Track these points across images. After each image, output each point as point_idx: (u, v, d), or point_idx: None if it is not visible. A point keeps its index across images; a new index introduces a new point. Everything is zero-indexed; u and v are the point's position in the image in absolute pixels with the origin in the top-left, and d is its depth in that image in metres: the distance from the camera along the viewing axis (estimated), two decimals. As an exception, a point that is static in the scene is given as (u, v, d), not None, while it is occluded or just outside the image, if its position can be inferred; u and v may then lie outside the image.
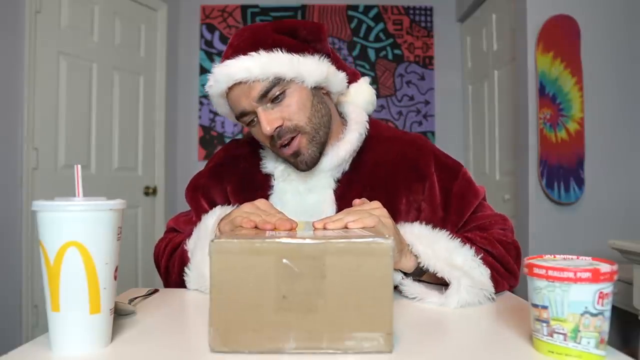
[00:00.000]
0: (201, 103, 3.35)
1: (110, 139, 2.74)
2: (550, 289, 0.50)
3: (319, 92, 0.86)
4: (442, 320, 0.66)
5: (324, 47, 0.86)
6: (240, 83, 0.81)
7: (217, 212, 0.83)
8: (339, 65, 0.90)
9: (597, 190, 2.23)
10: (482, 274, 0.74)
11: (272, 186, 0.90)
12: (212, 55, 3.36)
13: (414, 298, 0.73)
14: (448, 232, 0.78)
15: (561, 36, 2.23)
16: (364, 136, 0.90)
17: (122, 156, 2.81)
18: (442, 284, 0.75)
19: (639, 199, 2.24)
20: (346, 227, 0.63)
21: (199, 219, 0.89)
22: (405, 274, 0.77)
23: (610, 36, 2.25)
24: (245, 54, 0.80)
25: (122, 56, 2.81)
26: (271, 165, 0.91)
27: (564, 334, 0.49)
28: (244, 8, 3.39)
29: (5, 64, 2.11)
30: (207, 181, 0.97)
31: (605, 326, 0.50)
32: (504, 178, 2.76)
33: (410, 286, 0.74)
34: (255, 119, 0.84)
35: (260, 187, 0.91)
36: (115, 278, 0.55)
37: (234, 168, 0.96)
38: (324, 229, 0.64)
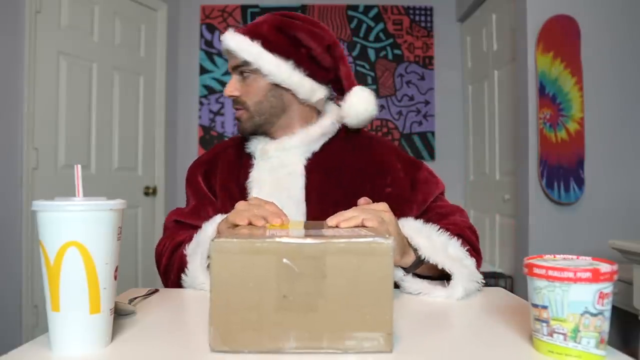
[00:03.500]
0: (201, 103, 3.36)
1: (110, 139, 2.74)
2: (550, 289, 0.50)
3: (278, 89, 0.99)
4: (442, 320, 0.66)
5: (302, 58, 0.98)
6: (230, 50, 0.99)
7: (217, 220, 0.89)
8: (323, 76, 1.01)
9: (597, 190, 2.23)
10: (472, 263, 0.82)
11: (253, 165, 1.01)
12: (212, 55, 3.36)
13: (418, 293, 0.77)
14: (437, 226, 0.86)
15: (561, 36, 2.23)
16: (336, 126, 1.03)
17: (122, 156, 2.81)
18: (434, 277, 0.81)
19: (639, 199, 2.24)
20: (362, 225, 0.67)
21: (196, 200, 1.04)
22: (404, 269, 0.80)
23: (610, 36, 2.25)
24: (242, 33, 0.98)
25: (122, 56, 2.81)
26: (253, 145, 1.03)
27: (564, 334, 0.49)
28: (244, 8, 3.39)
29: (5, 64, 2.11)
30: (205, 165, 1.08)
31: (605, 326, 0.50)
32: (504, 178, 2.76)
33: (412, 282, 0.78)
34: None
35: (244, 165, 1.03)
36: (115, 278, 0.55)
37: (224, 155, 1.09)
38: (337, 227, 0.66)
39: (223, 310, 0.51)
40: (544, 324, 0.51)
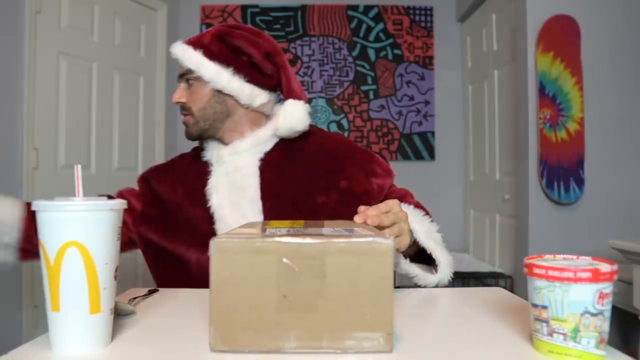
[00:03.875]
0: (201, 103, 3.35)
1: (110, 139, 2.74)
2: (550, 289, 0.50)
3: (221, 95, 1.04)
4: (442, 320, 0.66)
5: (241, 65, 1.03)
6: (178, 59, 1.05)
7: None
8: (266, 82, 1.05)
9: (597, 190, 2.23)
10: (444, 249, 0.90)
11: (210, 171, 1.05)
12: (212, 55, 3.36)
13: (413, 277, 0.85)
14: (422, 211, 0.93)
15: (561, 36, 2.23)
16: (278, 132, 1.06)
17: (122, 156, 2.81)
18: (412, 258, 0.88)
19: (639, 199, 2.24)
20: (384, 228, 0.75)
21: (137, 195, 1.09)
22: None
23: (610, 36, 2.25)
24: (186, 42, 1.04)
25: (122, 56, 2.81)
26: (209, 153, 1.08)
27: (564, 334, 0.49)
28: (244, 8, 3.39)
29: (5, 64, 2.11)
30: (153, 174, 1.13)
31: (605, 326, 0.50)
32: (504, 178, 2.76)
33: (409, 267, 0.85)
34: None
35: (202, 173, 1.06)
36: (115, 278, 0.55)
37: (180, 164, 1.13)
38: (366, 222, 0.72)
39: (223, 310, 0.51)
40: (544, 324, 0.51)
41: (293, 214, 0.99)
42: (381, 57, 3.39)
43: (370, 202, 1.00)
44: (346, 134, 3.38)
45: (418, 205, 1.01)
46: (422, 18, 3.41)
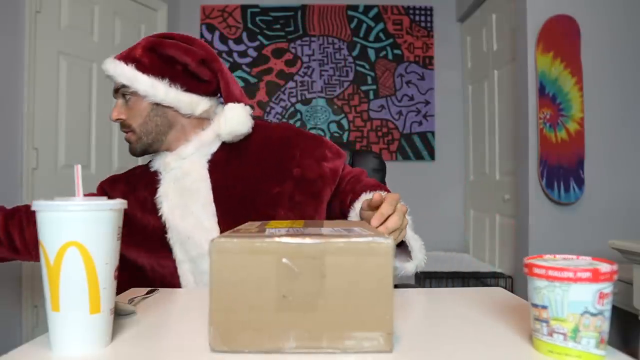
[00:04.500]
0: (201, 103, 3.35)
1: (110, 139, 2.74)
2: (550, 289, 0.50)
3: (160, 108, 1.02)
4: (442, 320, 0.66)
5: (177, 74, 1.01)
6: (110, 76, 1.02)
7: None
8: (204, 88, 1.04)
9: (597, 190, 2.23)
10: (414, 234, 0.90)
11: (159, 180, 1.05)
12: (212, 55, 3.36)
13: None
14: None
15: (561, 36, 2.23)
16: (224, 126, 1.04)
17: (122, 156, 2.81)
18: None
19: (639, 199, 2.24)
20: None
21: None
22: None
23: (610, 36, 2.25)
24: (118, 58, 1.01)
25: (122, 56, 2.81)
26: (157, 162, 1.07)
27: (564, 334, 0.49)
28: (244, 8, 3.39)
29: (5, 64, 2.11)
30: (109, 184, 1.14)
31: (605, 326, 0.50)
32: (504, 178, 2.76)
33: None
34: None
35: (150, 182, 1.06)
36: (115, 278, 0.55)
37: (131, 176, 1.13)
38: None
39: (223, 310, 0.51)
40: (544, 324, 0.51)
41: (248, 210, 0.99)
42: (381, 57, 3.39)
43: (325, 187, 1.02)
44: (346, 134, 3.38)
45: (377, 184, 1.00)
46: (422, 18, 3.41)
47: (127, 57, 1.00)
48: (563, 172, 2.21)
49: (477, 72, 3.18)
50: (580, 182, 2.21)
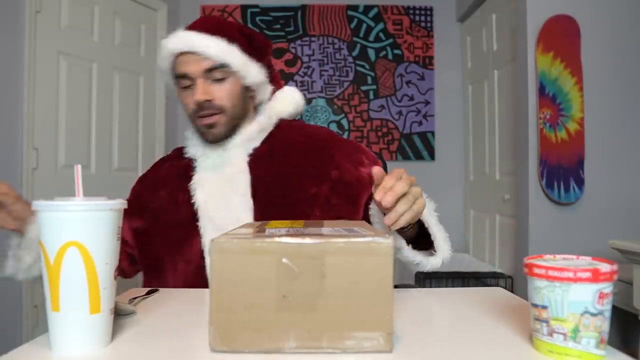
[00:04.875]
0: (201, 103, 3.35)
1: (110, 139, 2.74)
2: (550, 289, 0.50)
3: (247, 92, 1.01)
4: (442, 320, 0.66)
5: (267, 61, 1.04)
6: (194, 52, 0.95)
7: None
8: (272, 78, 1.07)
9: (597, 190, 2.23)
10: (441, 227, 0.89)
11: (195, 167, 1.02)
12: (212, 55, 3.36)
13: (417, 264, 0.84)
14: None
15: (561, 36, 2.23)
16: (272, 119, 1.05)
17: (122, 156, 2.81)
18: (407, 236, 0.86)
19: (639, 199, 2.24)
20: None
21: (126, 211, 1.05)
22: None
23: (610, 36, 2.25)
24: (211, 33, 0.95)
25: (122, 56, 2.81)
26: (193, 149, 1.04)
27: (564, 334, 0.49)
28: (244, 8, 3.39)
29: (5, 64, 2.11)
30: (138, 185, 1.11)
31: (605, 326, 0.50)
32: (504, 178, 2.76)
33: (411, 253, 0.84)
34: (191, 86, 0.98)
35: (184, 170, 1.03)
36: (115, 278, 0.55)
37: (160, 167, 1.11)
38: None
39: (223, 310, 0.51)
40: (544, 324, 0.51)
41: (285, 207, 0.97)
42: (381, 57, 3.39)
43: (362, 191, 1.00)
44: (346, 134, 3.38)
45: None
46: (422, 18, 3.41)
47: (225, 34, 0.96)
48: (563, 172, 2.21)
49: (477, 72, 3.18)
50: (580, 182, 2.21)
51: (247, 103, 1.02)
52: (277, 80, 1.08)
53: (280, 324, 0.51)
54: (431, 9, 3.41)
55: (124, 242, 1.04)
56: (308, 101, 3.39)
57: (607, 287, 0.49)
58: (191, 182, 1.00)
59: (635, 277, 1.67)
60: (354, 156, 1.04)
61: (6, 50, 2.11)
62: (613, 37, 2.25)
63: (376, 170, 0.74)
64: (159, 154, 3.09)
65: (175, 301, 0.77)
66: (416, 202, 0.73)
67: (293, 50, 3.39)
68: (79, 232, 0.51)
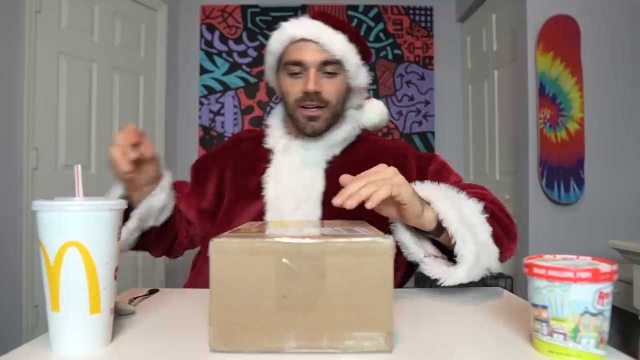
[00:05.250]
0: (201, 103, 3.35)
1: (110, 139, 2.72)
2: (550, 289, 0.50)
3: (348, 93, 1.00)
4: (442, 320, 0.66)
5: (368, 65, 1.03)
6: (312, 41, 0.94)
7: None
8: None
9: (597, 190, 2.23)
10: (486, 231, 0.75)
11: (271, 160, 1.00)
12: (212, 55, 3.36)
13: (436, 279, 0.73)
14: (453, 187, 0.80)
15: (561, 36, 2.23)
16: (356, 130, 1.03)
17: (122, 156, 2.81)
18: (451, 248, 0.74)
19: (639, 199, 2.24)
20: (363, 203, 0.64)
21: (192, 190, 1.06)
22: (427, 234, 0.76)
23: (610, 36, 2.25)
24: (334, 28, 0.94)
25: (122, 56, 2.81)
26: (273, 141, 1.02)
27: (564, 334, 0.49)
28: (244, 8, 3.39)
29: (5, 64, 2.11)
30: (208, 160, 1.08)
31: (605, 326, 0.50)
32: (504, 178, 2.76)
33: (432, 266, 0.74)
34: (302, 74, 0.96)
35: (260, 159, 1.01)
36: (115, 278, 0.55)
37: (235, 148, 1.07)
38: (344, 205, 0.64)
39: (223, 310, 0.51)
40: (544, 324, 0.51)
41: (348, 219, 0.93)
42: (381, 57, 3.39)
43: None
44: (346, 134, 3.37)
45: (486, 197, 0.84)
46: (422, 18, 3.41)
47: (346, 31, 0.96)
48: (563, 172, 2.21)
49: (477, 72, 3.18)
50: (580, 182, 2.21)
51: (344, 105, 1.01)
52: (367, 90, 1.08)
53: (280, 324, 0.51)
54: (431, 9, 3.41)
55: (187, 223, 1.03)
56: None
57: (607, 287, 0.49)
58: (265, 174, 0.98)
59: (635, 277, 1.67)
60: (423, 168, 1.00)
61: (6, 50, 2.11)
62: (613, 37, 2.25)
63: (343, 178, 0.71)
64: (159, 154, 3.09)
65: (175, 301, 0.77)
66: (381, 185, 0.66)
67: (293, 50, 3.39)
68: (79, 232, 0.51)
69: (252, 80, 3.37)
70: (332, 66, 0.95)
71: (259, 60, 3.38)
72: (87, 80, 2.59)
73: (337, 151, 1.01)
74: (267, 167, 0.98)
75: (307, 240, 0.51)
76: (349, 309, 0.51)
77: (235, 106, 3.36)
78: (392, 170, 0.70)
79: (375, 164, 0.99)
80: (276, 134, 1.02)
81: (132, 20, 2.89)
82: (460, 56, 3.42)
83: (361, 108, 1.06)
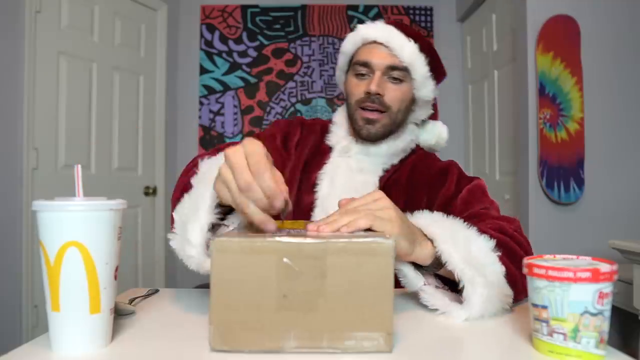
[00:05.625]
0: (201, 103, 3.35)
1: (110, 139, 2.74)
2: (550, 289, 0.50)
3: (411, 104, 0.99)
4: (442, 320, 0.66)
5: (436, 84, 1.02)
6: (383, 45, 0.94)
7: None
8: (433, 106, 1.06)
9: (597, 190, 2.23)
10: (497, 272, 0.67)
11: (330, 157, 0.99)
12: (212, 55, 3.36)
13: (435, 310, 0.67)
14: (463, 220, 0.73)
15: (561, 36, 2.23)
16: (412, 144, 1.03)
17: (122, 156, 2.81)
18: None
19: (639, 199, 2.24)
20: (339, 231, 0.59)
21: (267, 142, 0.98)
22: (426, 269, 0.71)
23: (610, 36, 2.25)
24: (407, 34, 0.95)
25: (122, 56, 2.81)
26: (335, 139, 1.01)
27: (564, 334, 0.49)
28: (244, 8, 3.39)
29: (5, 64, 2.11)
30: (300, 135, 1.05)
31: (605, 326, 0.50)
32: (504, 178, 2.76)
33: (432, 295, 0.68)
34: (367, 75, 0.96)
35: (319, 155, 1.00)
36: (115, 278, 0.55)
37: (307, 135, 1.06)
38: (318, 231, 0.59)
39: (223, 309, 0.51)
40: (544, 324, 0.51)
41: None
42: (381, 57, 3.39)
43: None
44: (346, 134, 3.37)
45: (503, 228, 0.78)
46: (422, 18, 3.41)
47: (422, 46, 0.95)
48: (563, 172, 2.21)
49: (477, 72, 3.18)
50: (580, 182, 2.21)
51: (406, 115, 0.99)
52: (436, 109, 1.06)
53: (281, 323, 0.51)
54: (431, 9, 3.41)
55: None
56: (308, 101, 3.39)
57: (607, 287, 0.49)
58: (322, 170, 0.97)
59: (635, 277, 1.67)
60: (459, 187, 0.97)
61: (6, 50, 2.11)
62: (613, 37, 2.25)
63: (340, 201, 0.67)
64: (159, 153, 3.09)
65: (175, 301, 0.77)
66: (363, 215, 0.61)
67: (293, 50, 3.39)
68: (79, 232, 0.51)
69: (252, 80, 3.37)
70: (398, 72, 0.94)
71: (259, 60, 3.38)
72: (87, 80, 2.59)
73: (395, 161, 1.01)
74: (324, 164, 0.98)
75: (308, 240, 0.51)
76: (350, 309, 0.51)
77: (235, 106, 3.36)
78: (384, 203, 0.65)
79: (422, 181, 0.99)
80: (339, 133, 1.02)
81: (132, 20, 2.89)
82: (460, 56, 3.42)
83: (423, 125, 1.05)
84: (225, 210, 0.65)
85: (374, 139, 0.97)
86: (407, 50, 0.93)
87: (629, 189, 2.25)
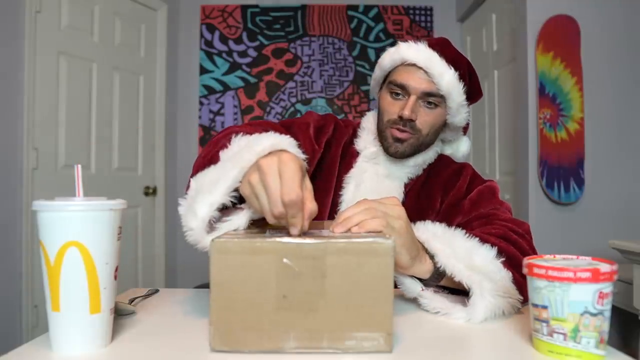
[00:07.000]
0: (201, 103, 3.35)
1: (110, 139, 2.74)
2: (550, 289, 0.50)
3: (444, 128, 1.00)
4: (442, 320, 0.66)
5: (470, 107, 1.02)
6: (422, 69, 0.93)
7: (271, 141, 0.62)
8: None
9: (597, 190, 2.23)
10: (504, 277, 0.69)
11: (357, 161, 1.00)
12: (212, 55, 3.36)
13: (436, 313, 0.68)
14: (464, 231, 0.75)
15: (561, 36, 2.23)
16: (437, 154, 1.05)
17: (122, 156, 2.81)
18: (462, 291, 0.69)
19: (639, 199, 2.24)
20: (349, 231, 0.60)
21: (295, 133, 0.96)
22: (424, 282, 0.72)
23: (610, 36, 2.25)
24: (448, 61, 0.93)
25: (122, 56, 2.81)
26: (363, 145, 1.01)
27: (564, 334, 0.49)
28: (244, 8, 3.39)
29: (5, 64, 2.11)
30: (331, 134, 1.04)
31: (605, 326, 0.50)
32: (504, 178, 2.76)
33: (431, 299, 0.69)
34: (403, 97, 0.95)
35: (347, 157, 1.01)
36: (115, 278, 0.55)
37: (340, 135, 1.05)
38: (333, 231, 0.60)
39: (223, 310, 0.51)
40: (544, 324, 0.51)
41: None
42: (381, 57, 3.39)
43: (454, 221, 0.94)
44: (346, 134, 3.37)
45: (507, 229, 0.82)
46: (422, 18, 3.41)
47: (461, 73, 0.94)
48: (563, 172, 2.21)
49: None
50: (580, 182, 2.21)
51: (435, 137, 1.00)
52: (466, 127, 1.07)
53: (281, 323, 0.51)
54: (431, 9, 3.41)
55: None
56: (308, 101, 3.39)
57: (607, 287, 0.49)
58: (348, 174, 0.98)
59: (635, 277, 1.67)
60: (470, 188, 1.00)
61: (6, 50, 2.11)
62: (613, 37, 2.25)
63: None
64: (159, 154, 3.09)
65: (175, 301, 0.77)
66: (377, 216, 0.63)
67: (293, 50, 3.39)
68: (79, 232, 0.51)
69: (252, 80, 3.37)
70: (434, 98, 0.94)
71: (259, 60, 3.38)
72: (87, 80, 2.59)
73: (419, 171, 1.02)
74: (351, 167, 0.99)
75: (308, 240, 0.51)
76: (350, 309, 0.51)
77: (235, 106, 3.36)
78: (398, 212, 0.66)
79: (438, 181, 1.01)
80: (367, 139, 1.01)
81: (132, 20, 2.89)
82: (460, 56, 3.42)
83: (448, 142, 1.08)
84: (240, 195, 0.63)
85: (399, 157, 0.98)
86: (446, 79, 0.92)
87: (629, 189, 2.25)
